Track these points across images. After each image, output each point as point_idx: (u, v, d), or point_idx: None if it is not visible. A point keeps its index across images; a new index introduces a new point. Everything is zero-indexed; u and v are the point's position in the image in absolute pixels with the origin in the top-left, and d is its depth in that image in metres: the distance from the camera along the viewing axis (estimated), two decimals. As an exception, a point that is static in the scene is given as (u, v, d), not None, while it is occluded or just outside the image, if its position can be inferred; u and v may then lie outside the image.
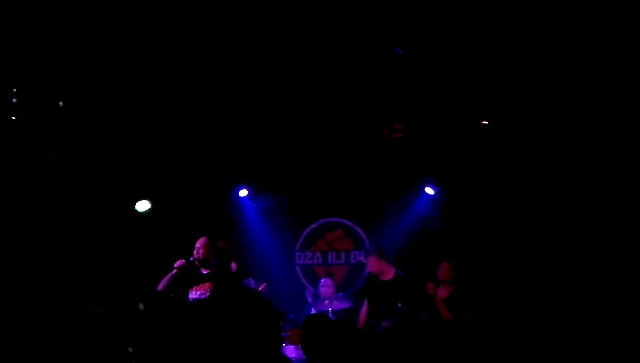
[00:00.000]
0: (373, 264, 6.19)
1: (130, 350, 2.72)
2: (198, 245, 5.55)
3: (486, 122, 6.75)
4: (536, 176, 6.87)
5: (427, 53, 5.93)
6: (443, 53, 5.89)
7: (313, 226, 8.45)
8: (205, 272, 5.54)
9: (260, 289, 6.77)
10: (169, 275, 5.46)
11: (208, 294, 5.38)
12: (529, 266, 6.76)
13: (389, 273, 6.11)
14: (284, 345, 6.07)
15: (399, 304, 5.83)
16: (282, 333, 6.21)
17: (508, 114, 6.58)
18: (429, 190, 7.71)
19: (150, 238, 7.39)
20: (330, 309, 6.61)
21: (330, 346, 3.11)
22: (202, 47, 5.95)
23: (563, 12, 5.22)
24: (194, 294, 5.44)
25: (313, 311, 6.82)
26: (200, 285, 5.44)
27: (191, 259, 5.49)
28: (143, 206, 7.58)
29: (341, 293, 7.31)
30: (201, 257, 5.49)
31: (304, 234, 8.45)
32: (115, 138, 7.07)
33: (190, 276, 5.50)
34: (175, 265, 5.44)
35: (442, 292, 5.89)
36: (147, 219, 7.61)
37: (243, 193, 8.21)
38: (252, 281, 6.91)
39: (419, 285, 5.86)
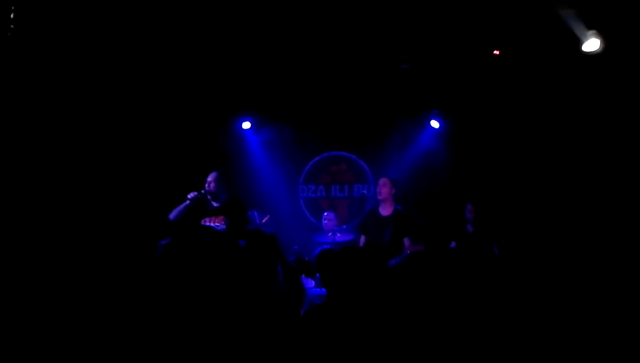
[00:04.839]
0: (386, 188, 5.91)
1: None
2: (209, 178, 5.66)
3: (497, 52, 6.51)
4: (544, 109, 6.74)
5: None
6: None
7: (317, 159, 8.41)
8: (215, 205, 5.64)
9: (264, 221, 6.82)
10: (182, 206, 5.56)
11: (223, 226, 5.45)
12: (536, 200, 6.73)
13: (389, 208, 5.92)
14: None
15: (405, 240, 5.68)
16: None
17: (520, 44, 6.37)
18: (434, 123, 7.60)
19: (154, 169, 7.34)
20: (333, 241, 6.66)
21: (352, 277, 3.10)
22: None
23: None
24: (207, 223, 5.52)
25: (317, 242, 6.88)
26: (214, 217, 5.54)
27: (203, 191, 5.56)
28: None
29: (344, 226, 7.36)
30: (212, 190, 5.59)
31: (307, 167, 8.42)
32: (114, 67, 6.90)
33: (201, 208, 5.60)
34: (189, 196, 5.53)
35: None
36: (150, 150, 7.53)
37: (246, 125, 8.13)
38: (255, 213, 6.92)
39: (419, 221, 5.84)
